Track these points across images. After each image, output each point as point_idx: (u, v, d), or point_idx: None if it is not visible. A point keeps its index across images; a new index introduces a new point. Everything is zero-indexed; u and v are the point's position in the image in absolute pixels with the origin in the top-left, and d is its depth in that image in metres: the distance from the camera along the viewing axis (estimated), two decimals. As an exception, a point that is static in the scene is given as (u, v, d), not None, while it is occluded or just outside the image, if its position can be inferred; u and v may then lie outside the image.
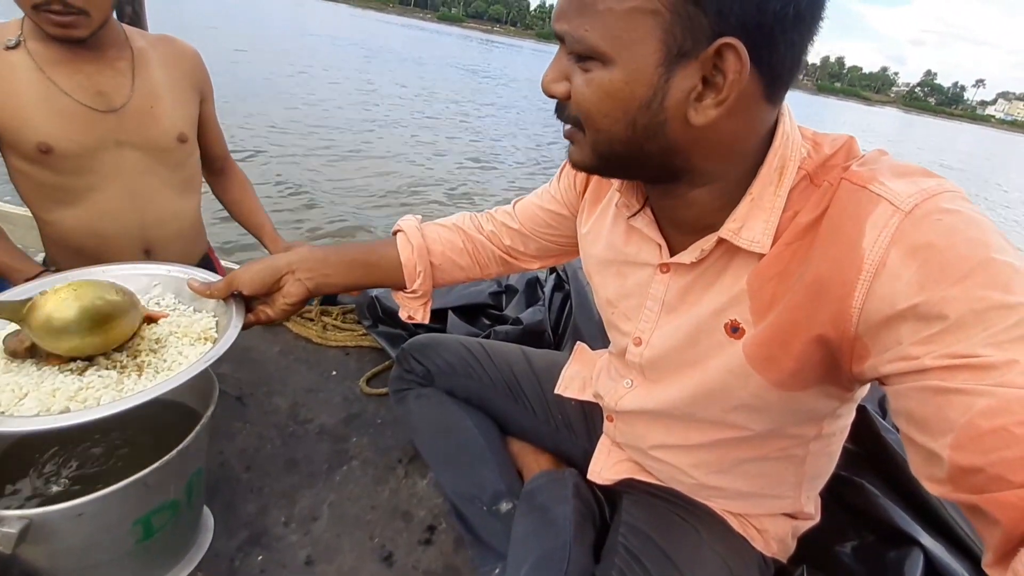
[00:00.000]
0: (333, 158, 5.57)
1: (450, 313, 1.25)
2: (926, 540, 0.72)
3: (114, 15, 1.04)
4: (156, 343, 0.70)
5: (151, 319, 0.73)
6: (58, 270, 1.06)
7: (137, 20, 1.68)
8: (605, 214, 0.71)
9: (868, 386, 0.60)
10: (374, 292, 1.33)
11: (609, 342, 0.96)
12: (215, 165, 1.34)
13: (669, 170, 0.52)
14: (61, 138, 0.98)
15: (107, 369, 0.64)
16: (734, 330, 0.55)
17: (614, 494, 0.81)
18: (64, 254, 1.10)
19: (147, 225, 1.12)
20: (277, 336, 1.37)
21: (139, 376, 0.64)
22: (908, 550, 0.71)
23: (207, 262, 1.35)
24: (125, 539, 0.64)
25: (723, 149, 0.50)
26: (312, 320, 1.43)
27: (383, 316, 1.31)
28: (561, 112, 0.53)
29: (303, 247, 0.81)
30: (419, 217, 0.88)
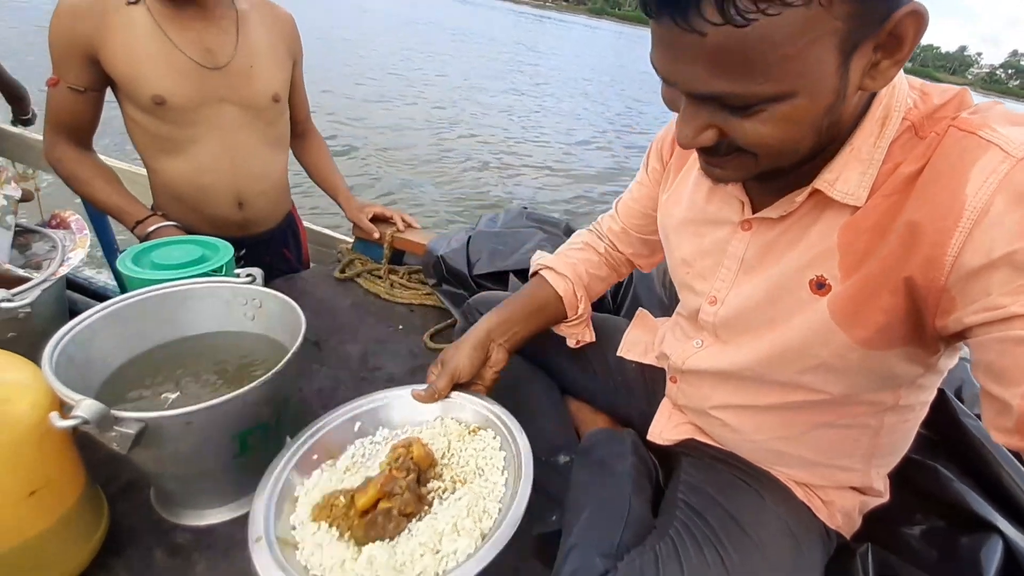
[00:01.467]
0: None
1: (511, 275, 1.27)
2: (1005, 527, 0.69)
3: None
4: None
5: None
6: (165, 215, 1.16)
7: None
8: (688, 175, 0.70)
9: (953, 362, 0.58)
10: (440, 252, 1.37)
11: (668, 312, 0.96)
12: (298, 128, 1.42)
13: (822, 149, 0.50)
14: (173, 91, 1.06)
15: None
16: (819, 286, 0.54)
17: (671, 458, 0.82)
18: (169, 200, 1.20)
19: (241, 178, 1.21)
20: (349, 290, 1.44)
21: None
22: (985, 536, 0.68)
23: (290, 220, 1.44)
24: (224, 451, 0.72)
25: (857, 103, 0.48)
26: (381, 277, 1.49)
27: (447, 276, 1.35)
28: (714, 151, 0.50)
29: (492, 316, 0.85)
30: (543, 253, 0.93)
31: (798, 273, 0.55)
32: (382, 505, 0.63)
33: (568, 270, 0.87)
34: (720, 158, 0.51)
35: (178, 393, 0.75)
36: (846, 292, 0.52)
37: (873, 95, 0.49)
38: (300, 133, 1.45)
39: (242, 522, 0.78)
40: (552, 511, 0.81)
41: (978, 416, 0.81)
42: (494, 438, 0.76)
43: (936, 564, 0.69)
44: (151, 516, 0.78)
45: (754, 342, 0.62)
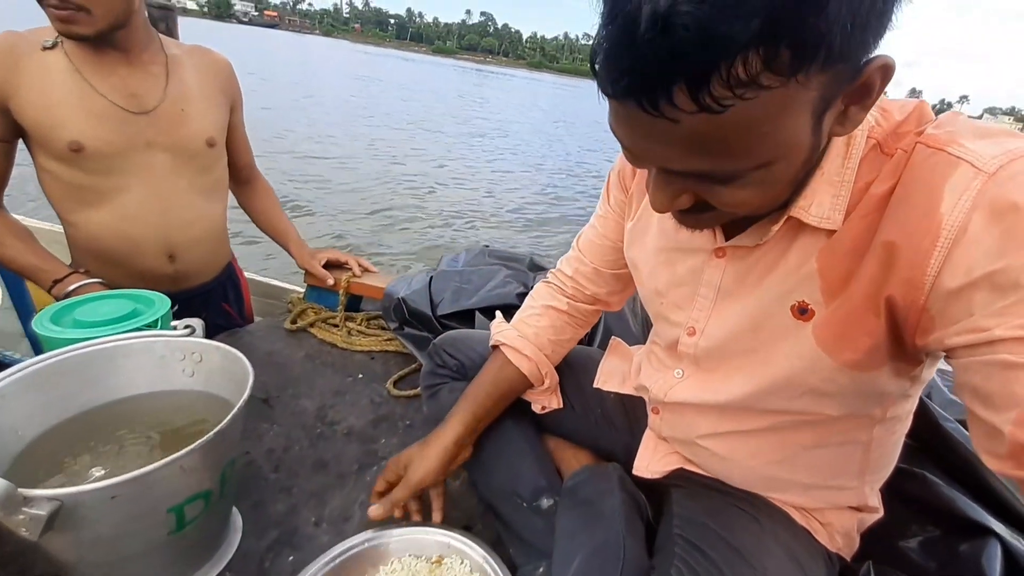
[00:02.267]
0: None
1: (477, 313, 1.23)
2: (1000, 529, 0.68)
3: (148, 21, 1.07)
4: None
5: None
6: (87, 272, 1.06)
7: (170, 35, 1.73)
8: None
9: (933, 372, 0.58)
10: (400, 294, 1.31)
11: (641, 340, 0.93)
12: (241, 175, 1.36)
13: None
14: (93, 137, 0.99)
15: None
16: (802, 312, 0.52)
17: (659, 490, 0.77)
18: (90, 257, 1.10)
19: (172, 228, 1.12)
20: (301, 342, 1.35)
21: None
22: (984, 541, 0.67)
23: (230, 271, 1.35)
24: (158, 529, 0.62)
25: None
26: (336, 326, 1.41)
27: (409, 318, 1.29)
28: (689, 210, 0.48)
29: (457, 418, 0.80)
30: (502, 322, 0.88)
31: (779, 299, 0.54)
32: None
33: (529, 348, 0.83)
34: (695, 215, 0.49)
35: (103, 470, 0.65)
36: (831, 317, 0.50)
37: None
38: (244, 180, 1.38)
39: (181, 612, 0.68)
40: (538, 563, 0.74)
41: (959, 422, 0.81)
42: (462, 564, 0.73)
43: (939, 573, 0.66)
44: (69, 617, 0.66)
45: (740, 372, 0.59)
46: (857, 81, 0.39)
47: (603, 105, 0.42)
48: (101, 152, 1.00)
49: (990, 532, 0.67)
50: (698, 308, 0.62)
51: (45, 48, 0.97)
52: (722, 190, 0.44)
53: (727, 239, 0.57)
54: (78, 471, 0.67)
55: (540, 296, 0.88)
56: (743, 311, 0.57)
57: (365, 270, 1.48)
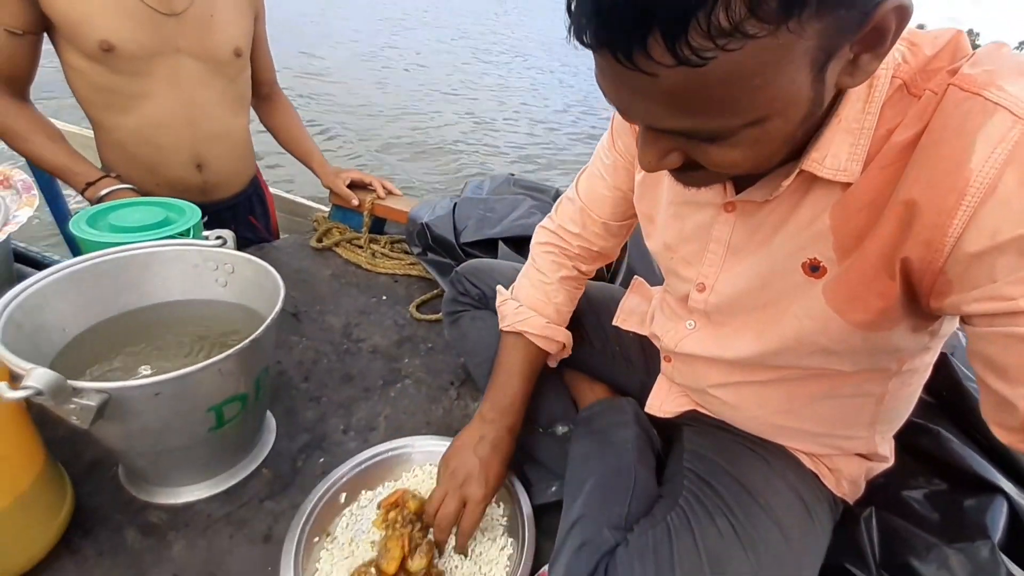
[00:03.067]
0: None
1: (500, 243, 1.22)
2: (1008, 487, 0.68)
3: None
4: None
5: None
6: (117, 176, 1.07)
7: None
8: None
9: (955, 325, 0.56)
10: (424, 219, 1.30)
11: (662, 282, 0.91)
12: (263, 90, 1.33)
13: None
14: (124, 37, 0.96)
15: None
16: (813, 269, 0.49)
17: (671, 428, 0.79)
18: (119, 161, 1.10)
19: (199, 138, 1.12)
20: (328, 260, 1.37)
21: None
22: (989, 497, 0.68)
23: (256, 185, 1.35)
24: (199, 425, 0.66)
25: None
26: (361, 247, 1.42)
27: (432, 244, 1.29)
28: (682, 168, 0.44)
29: (493, 423, 0.74)
30: (520, 307, 0.80)
31: (790, 256, 0.51)
32: (416, 566, 0.64)
33: (561, 333, 0.81)
34: (689, 173, 0.46)
35: (149, 369, 0.69)
36: (842, 276, 0.48)
37: None
38: (265, 96, 1.34)
39: (221, 499, 0.74)
40: (551, 482, 0.78)
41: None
42: None
43: (941, 526, 0.68)
44: (121, 495, 0.73)
45: (750, 328, 0.58)
46: (866, 27, 0.34)
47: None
48: (132, 54, 0.98)
49: (998, 489, 0.68)
50: (708, 264, 0.59)
51: None
52: (711, 149, 0.40)
53: (737, 192, 0.53)
54: (120, 368, 0.70)
55: (547, 267, 0.82)
56: (753, 268, 0.55)
57: (389, 192, 1.46)
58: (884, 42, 0.36)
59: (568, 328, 0.90)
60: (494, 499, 0.76)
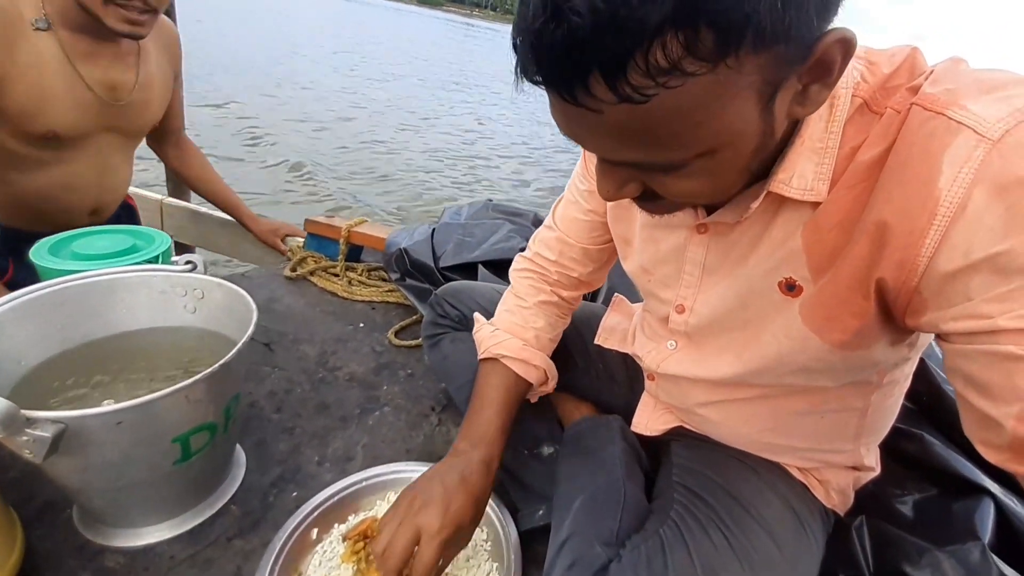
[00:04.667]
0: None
1: (480, 266, 1.22)
2: (994, 488, 0.69)
3: None
4: None
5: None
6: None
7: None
8: None
9: (932, 336, 0.56)
10: (402, 245, 1.29)
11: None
12: (172, 138, 1.33)
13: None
14: (69, 126, 0.97)
15: None
16: (790, 288, 0.49)
17: (657, 445, 0.78)
18: (9, 212, 1.05)
19: (103, 193, 1.13)
20: (303, 289, 1.34)
21: None
22: (976, 499, 0.68)
23: (126, 205, 1.31)
24: (163, 458, 0.62)
25: None
26: (337, 275, 1.40)
27: (411, 269, 1.28)
28: (642, 197, 0.45)
29: (465, 454, 0.65)
30: (495, 331, 0.76)
31: (766, 275, 0.51)
32: None
33: (538, 358, 0.75)
34: (650, 202, 0.46)
35: (111, 401, 0.65)
36: (818, 295, 0.48)
37: None
38: (174, 143, 1.34)
39: (185, 539, 0.69)
40: (538, 506, 0.75)
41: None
42: None
43: (931, 530, 0.68)
44: (75, 539, 0.67)
45: (728, 351, 0.58)
46: (809, 59, 0.35)
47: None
48: (69, 138, 0.98)
49: (984, 491, 0.68)
50: (685, 286, 0.59)
51: (37, 28, 0.90)
52: (666, 179, 0.41)
53: (708, 214, 0.54)
54: (81, 400, 0.66)
55: (526, 292, 0.79)
56: (730, 288, 0.55)
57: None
58: (831, 73, 0.37)
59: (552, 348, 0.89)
60: (487, 550, 0.71)
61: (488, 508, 0.72)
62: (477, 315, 0.81)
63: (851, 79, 0.43)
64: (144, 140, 1.24)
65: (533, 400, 0.81)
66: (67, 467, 0.59)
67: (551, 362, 0.78)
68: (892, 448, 0.75)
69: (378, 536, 0.55)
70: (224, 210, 1.44)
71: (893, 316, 0.44)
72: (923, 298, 0.40)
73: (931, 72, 0.41)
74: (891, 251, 0.40)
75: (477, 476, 0.62)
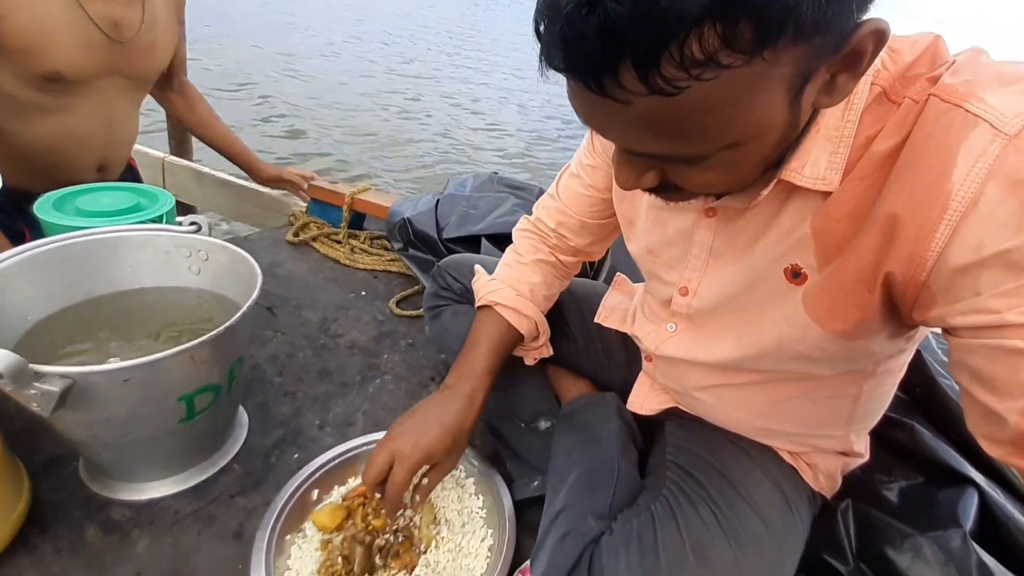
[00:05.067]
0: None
1: (483, 240, 1.21)
2: (980, 480, 0.70)
3: None
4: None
5: None
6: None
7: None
8: None
9: (929, 329, 0.57)
10: (406, 214, 1.29)
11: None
12: (175, 82, 1.28)
13: None
14: (73, 66, 0.93)
15: None
16: (795, 275, 0.49)
17: (652, 424, 0.79)
18: (13, 167, 1.01)
19: (109, 146, 1.10)
20: (305, 255, 1.34)
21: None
22: (961, 488, 0.69)
23: (128, 166, 1.28)
24: (168, 416, 0.63)
25: None
26: (339, 242, 1.40)
27: (414, 240, 1.27)
28: (660, 187, 0.44)
29: (460, 394, 0.68)
30: (490, 280, 0.79)
31: (773, 261, 0.51)
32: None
33: (529, 308, 0.76)
34: (666, 193, 0.46)
35: (118, 359, 0.65)
36: (822, 284, 0.48)
37: None
38: (177, 87, 1.28)
39: (189, 495, 0.71)
40: (533, 477, 0.77)
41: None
42: (459, 470, 0.76)
43: (915, 516, 0.69)
44: (81, 491, 0.69)
45: (731, 333, 0.58)
46: (843, 50, 0.35)
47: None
48: (74, 79, 0.94)
49: (969, 481, 0.70)
50: (690, 268, 0.59)
51: None
52: (687, 171, 0.41)
53: (718, 198, 0.53)
54: (85, 356, 0.67)
55: (525, 249, 0.80)
56: (735, 273, 0.55)
57: (308, 179, 1.48)
58: (861, 63, 0.36)
59: (551, 323, 0.90)
60: (473, 490, 0.74)
61: (484, 477, 0.74)
62: (477, 267, 0.83)
63: (871, 67, 0.42)
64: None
65: (529, 362, 0.84)
66: (74, 421, 0.60)
67: (543, 317, 0.79)
68: (882, 436, 0.76)
69: (366, 465, 0.62)
70: (229, 156, 1.37)
71: (899, 310, 0.44)
72: (931, 293, 0.40)
73: (952, 62, 0.41)
74: (901, 244, 0.40)
75: (457, 408, 0.66)
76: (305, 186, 1.46)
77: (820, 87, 0.37)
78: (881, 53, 0.42)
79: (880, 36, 0.35)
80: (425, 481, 0.66)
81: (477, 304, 0.78)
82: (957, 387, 0.81)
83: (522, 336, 0.77)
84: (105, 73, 0.99)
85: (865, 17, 0.34)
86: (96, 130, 1.04)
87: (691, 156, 0.39)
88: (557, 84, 0.38)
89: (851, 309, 0.46)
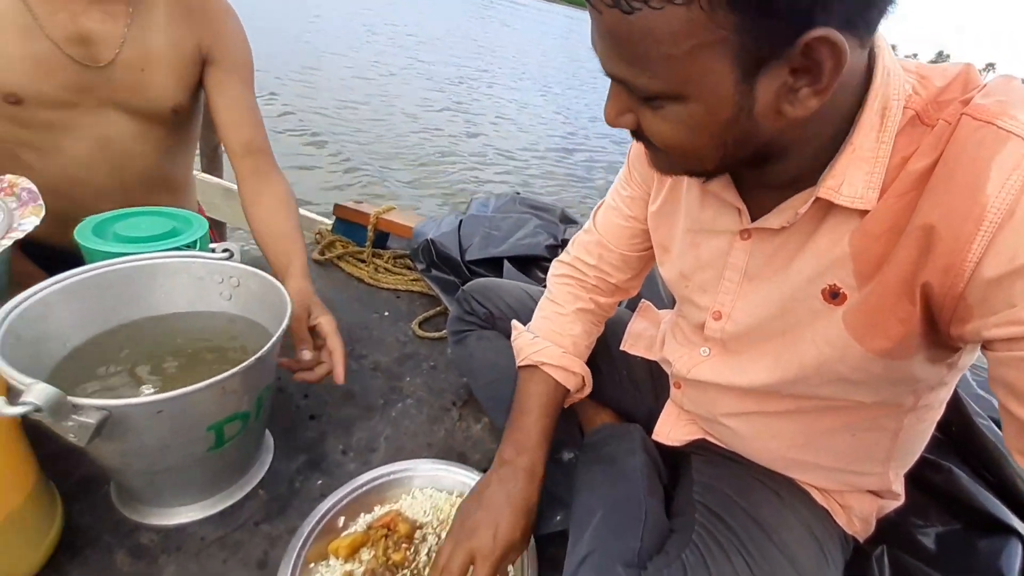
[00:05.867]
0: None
1: (506, 262, 1.22)
2: (1023, 529, 0.68)
3: None
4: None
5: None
6: None
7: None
8: (680, 181, 0.64)
9: (974, 358, 0.55)
10: (430, 235, 1.30)
11: (668, 305, 0.89)
12: (245, 160, 0.95)
13: (763, 158, 0.47)
14: (35, 89, 0.81)
15: None
16: (834, 295, 0.49)
17: (678, 457, 0.78)
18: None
19: (126, 189, 0.94)
20: (330, 274, 1.36)
21: None
22: (1004, 539, 0.67)
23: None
24: (197, 444, 0.64)
25: (819, 117, 0.42)
26: (364, 261, 1.41)
27: (437, 261, 1.28)
28: (637, 135, 0.48)
29: (510, 463, 0.67)
30: (535, 339, 0.77)
31: (809, 283, 0.51)
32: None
33: (577, 365, 0.76)
34: (653, 152, 0.50)
35: (152, 388, 0.67)
36: (863, 303, 0.48)
37: (867, 87, 0.44)
38: (251, 169, 0.95)
39: (216, 521, 0.72)
40: (556, 510, 0.76)
41: (993, 420, 0.80)
42: None
43: (953, 567, 0.67)
44: (112, 515, 0.70)
45: (766, 358, 0.57)
46: (796, 47, 0.36)
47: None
48: (43, 106, 0.83)
49: (1012, 531, 0.67)
50: (724, 291, 0.59)
51: None
52: (649, 115, 0.44)
53: (752, 220, 0.54)
54: (120, 382, 0.68)
55: (564, 299, 0.79)
56: (770, 295, 0.55)
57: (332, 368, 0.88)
58: (819, 77, 0.38)
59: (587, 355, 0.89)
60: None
61: None
62: (515, 323, 0.83)
63: (903, 91, 0.44)
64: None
65: (565, 406, 0.82)
66: (108, 449, 0.61)
67: (588, 369, 0.79)
68: (917, 477, 0.74)
69: (436, 558, 0.60)
70: (270, 259, 0.91)
71: (939, 325, 0.44)
72: (968, 304, 0.40)
73: (984, 86, 0.42)
74: (937, 256, 0.41)
75: (523, 486, 0.65)
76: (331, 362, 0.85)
77: (781, 88, 0.39)
78: (911, 79, 0.45)
79: (836, 51, 0.36)
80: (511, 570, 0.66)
81: (520, 363, 0.77)
82: (995, 428, 0.79)
83: (568, 391, 0.76)
84: (89, 104, 0.86)
85: (823, 27, 0.36)
86: (99, 171, 0.90)
87: (643, 90, 0.42)
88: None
89: (894, 324, 0.46)
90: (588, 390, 0.80)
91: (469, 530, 0.61)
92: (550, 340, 0.76)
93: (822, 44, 0.36)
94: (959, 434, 0.80)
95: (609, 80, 0.46)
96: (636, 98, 0.44)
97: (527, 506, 0.64)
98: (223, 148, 1.03)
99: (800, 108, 0.40)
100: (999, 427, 0.80)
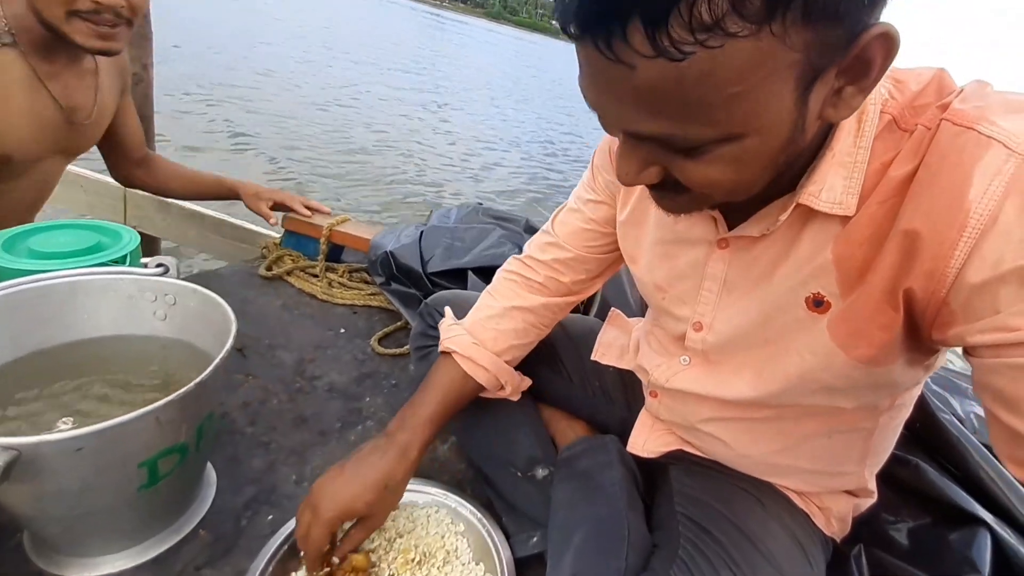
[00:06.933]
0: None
1: (470, 273, 1.17)
2: (990, 520, 0.69)
3: None
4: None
5: None
6: None
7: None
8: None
9: (944, 359, 0.56)
10: (388, 247, 1.24)
11: (637, 313, 0.88)
12: (136, 155, 1.21)
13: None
14: (26, 150, 0.89)
15: None
16: (817, 304, 0.48)
17: (654, 467, 0.76)
18: None
19: (31, 216, 1.05)
20: (279, 290, 1.28)
21: None
22: (974, 531, 0.68)
23: None
24: (127, 484, 0.56)
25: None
26: (316, 276, 1.34)
27: (397, 274, 1.23)
28: (661, 186, 0.43)
29: (393, 446, 0.66)
30: (453, 323, 0.76)
31: (792, 291, 0.50)
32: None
33: (486, 358, 0.72)
34: (669, 193, 0.45)
35: (69, 421, 0.59)
36: (847, 311, 0.47)
37: None
38: (140, 160, 1.23)
39: (149, 568, 0.64)
40: (532, 532, 0.72)
41: (956, 418, 0.82)
42: (452, 522, 0.73)
43: (928, 560, 0.68)
44: (26, 567, 0.61)
45: (748, 370, 0.56)
46: (851, 51, 0.35)
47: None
48: (18, 162, 0.89)
49: (981, 522, 0.68)
50: (703, 302, 0.58)
51: (3, 44, 0.82)
52: (688, 164, 0.39)
53: (730, 229, 0.52)
54: (34, 418, 0.60)
55: (502, 294, 0.77)
56: (752, 305, 0.53)
57: (315, 211, 1.38)
58: (869, 75, 0.36)
59: (545, 363, 0.86)
60: (469, 555, 0.69)
61: (483, 534, 0.69)
62: (447, 307, 0.80)
63: (879, 95, 0.44)
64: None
65: (514, 398, 0.80)
66: (18, 495, 0.53)
67: (505, 367, 0.75)
68: (886, 474, 0.74)
69: None
70: (207, 193, 1.33)
71: (921, 330, 0.44)
72: (951, 310, 0.40)
73: (960, 91, 0.42)
74: (921, 261, 0.41)
75: (388, 461, 0.64)
76: (299, 209, 1.37)
77: (828, 95, 0.37)
78: (887, 83, 0.44)
79: (888, 43, 0.35)
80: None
81: (439, 348, 0.75)
82: (957, 422, 0.81)
83: (480, 386, 0.74)
84: (49, 154, 0.95)
85: (879, 24, 0.34)
86: (26, 205, 1.01)
87: (692, 140, 0.37)
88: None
89: (876, 331, 0.45)
90: (510, 392, 0.78)
91: (316, 488, 0.62)
92: (471, 331, 0.74)
93: (878, 40, 0.34)
94: (923, 429, 0.81)
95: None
96: (670, 151, 0.39)
97: (384, 482, 0.63)
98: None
99: (844, 108, 0.38)
100: (960, 422, 0.82)
